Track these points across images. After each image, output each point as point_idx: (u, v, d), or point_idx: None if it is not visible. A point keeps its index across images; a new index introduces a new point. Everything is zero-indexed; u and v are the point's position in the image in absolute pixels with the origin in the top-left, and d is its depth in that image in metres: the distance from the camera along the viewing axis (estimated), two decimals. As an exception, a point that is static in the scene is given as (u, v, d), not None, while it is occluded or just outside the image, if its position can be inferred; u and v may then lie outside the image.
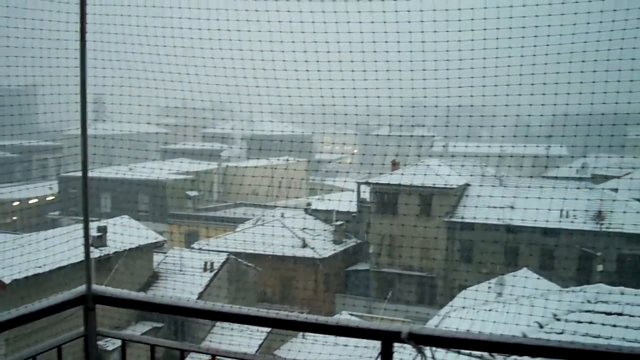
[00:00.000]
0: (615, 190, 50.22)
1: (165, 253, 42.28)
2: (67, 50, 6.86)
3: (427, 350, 4.71)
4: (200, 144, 78.08)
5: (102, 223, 35.92)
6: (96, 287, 5.55)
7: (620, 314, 18.73)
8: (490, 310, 23.30)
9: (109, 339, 5.91)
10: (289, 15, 8.61)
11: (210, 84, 10.55)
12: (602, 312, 19.23)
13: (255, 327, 28.57)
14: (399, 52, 8.66)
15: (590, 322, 18.42)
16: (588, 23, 7.77)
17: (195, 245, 50.96)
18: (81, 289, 5.50)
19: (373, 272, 53.66)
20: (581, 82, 8.77)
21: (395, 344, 4.70)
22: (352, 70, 9.14)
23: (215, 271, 39.35)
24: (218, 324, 34.55)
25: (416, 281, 53.27)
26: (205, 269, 39.27)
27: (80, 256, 17.52)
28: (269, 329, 31.67)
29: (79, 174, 5.91)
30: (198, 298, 35.29)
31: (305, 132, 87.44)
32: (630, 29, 7.80)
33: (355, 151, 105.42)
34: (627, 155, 58.66)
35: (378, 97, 9.97)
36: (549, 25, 7.89)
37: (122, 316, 32.57)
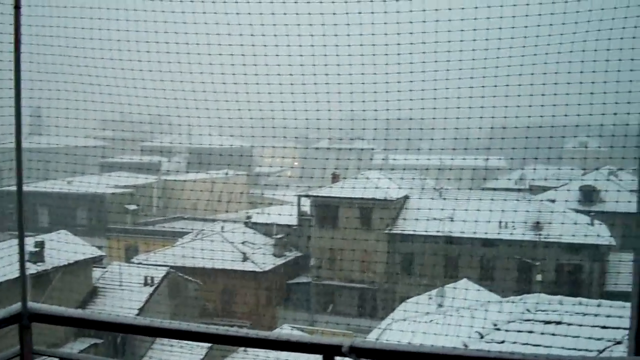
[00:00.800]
0: (553, 201, 51.11)
1: (104, 268, 41.72)
2: (0, 62, 6.74)
3: (369, 364, 4.70)
4: (139, 157, 77.34)
5: (40, 238, 35.32)
6: (32, 305, 5.43)
7: (559, 323, 18.95)
8: (431, 321, 23.43)
9: (45, 357, 5.78)
10: (228, 29, 8.59)
11: (149, 97, 10.47)
12: (541, 321, 19.44)
13: (196, 343, 28.37)
14: (338, 65, 8.69)
15: (530, 332, 18.60)
16: (525, 37, 7.89)
17: (134, 260, 50.46)
18: (16, 306, 5.38)
19: (314, 285, 53.62)
20: (519, 95, 8.88)
21: (337, 358, 4.68)
22: (291, 84, 9.15)
23: (155, 286, 38.94)
24: (158, 339, 34.21)
25: (357, 293, 53.38)
26: (145, 284, 38.82)
27: (16, 272, 17.24)
28: (210, 344, 31.43)
29: (14, 188, 5.80)
30: (138, 313, 34.89)
31: (244, 145, 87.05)
32: (566, 44, 7.92)
33: (296, 164, 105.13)
34: (564, 166, 59.74)
35: (317, 110, 9.98)
36: (486, 39, 7.98)
37: (59, 333, 32.02)
